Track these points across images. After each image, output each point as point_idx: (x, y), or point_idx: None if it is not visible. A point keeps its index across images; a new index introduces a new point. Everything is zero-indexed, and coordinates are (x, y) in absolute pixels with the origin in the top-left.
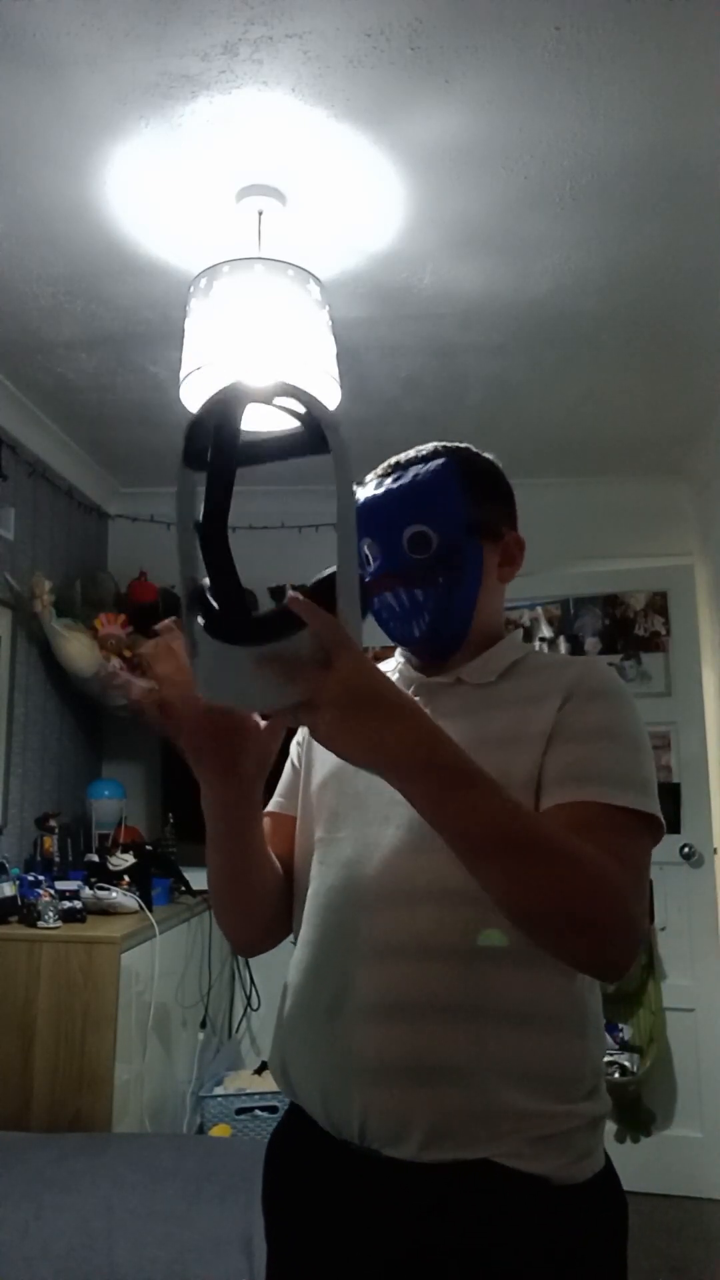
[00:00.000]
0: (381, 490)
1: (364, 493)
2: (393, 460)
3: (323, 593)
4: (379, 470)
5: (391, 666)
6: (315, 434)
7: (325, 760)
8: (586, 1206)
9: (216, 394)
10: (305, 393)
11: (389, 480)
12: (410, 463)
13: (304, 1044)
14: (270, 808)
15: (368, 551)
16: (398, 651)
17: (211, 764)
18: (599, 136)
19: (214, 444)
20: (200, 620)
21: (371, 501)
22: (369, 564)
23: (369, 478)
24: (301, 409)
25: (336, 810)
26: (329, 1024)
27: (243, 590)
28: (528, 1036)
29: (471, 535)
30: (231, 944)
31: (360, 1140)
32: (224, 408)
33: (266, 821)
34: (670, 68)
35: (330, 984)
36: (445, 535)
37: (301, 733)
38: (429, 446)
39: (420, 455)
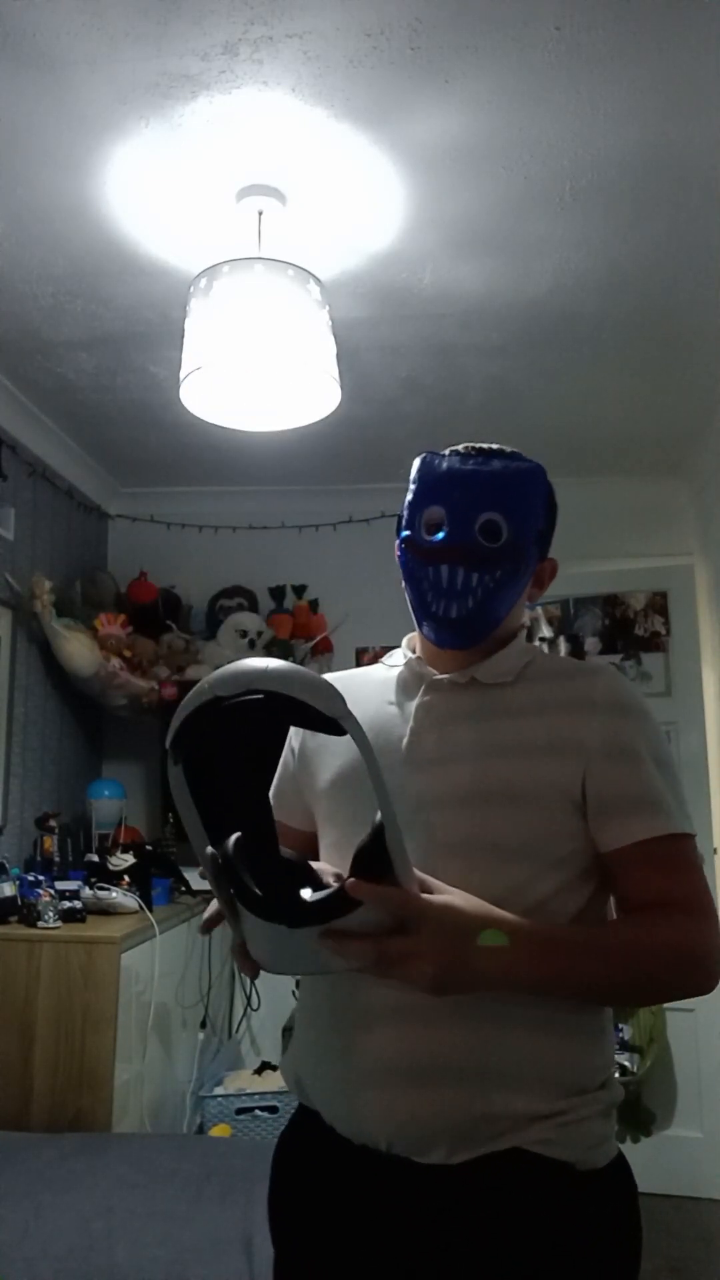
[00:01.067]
0: (469, 467)
1: (445, 462)
2: (474, 445)
3: (370, 854)
4: (459, 449)
5: (398, 660)
6: (332, 725)
7: (332, 759)
8: (607, 1191)
9: (207, 695)
10: (317, 686)
11: (475, 460)
12: (495, 454)
13: (322, 1058)
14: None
15: (430, 518)
16: (404, 642)
17: None
18: (599, 136)
19: (241, 759)
20: (237, 893)
21: (456, 474)
22: (427, 531)
23: (448, 451)
24: (317, 705)
25: (353, 815)
26: (345, 1036)
27: (285, 866)
28: (547, 1035)
29: (536, 544)
30: None
31: (388, 1149)
32: (219, 719)
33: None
34: (670, 68)
35: (344, 995)
36: (517, 533)
37: (294, 732)
38: (508, 448)
39: (505, 451)
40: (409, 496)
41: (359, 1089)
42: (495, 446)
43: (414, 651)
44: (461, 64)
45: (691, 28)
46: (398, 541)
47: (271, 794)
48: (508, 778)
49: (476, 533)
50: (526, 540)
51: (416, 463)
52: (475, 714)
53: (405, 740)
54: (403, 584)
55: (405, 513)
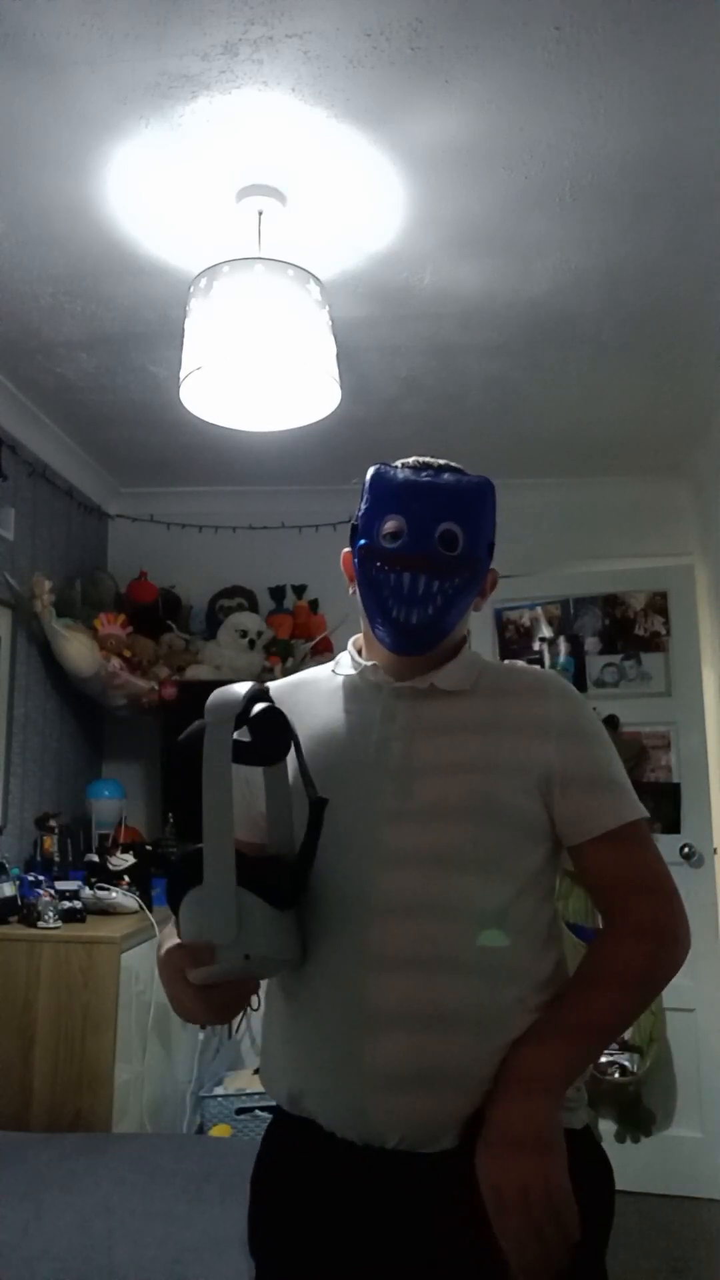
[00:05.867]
0: (425, 479)
1: (400, 474)
2: (423, 459)
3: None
4: (410, 462)
5: (347, 665)
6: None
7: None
8: (583, 1148)
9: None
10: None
11: (428, 473)
12: (444, 468)
13: (325, 1066)
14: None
15: (389, 528)
16: (350, 645)
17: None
18: (599, 136)
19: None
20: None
21: (413, 485)
22: (385, 540)
23: (399, 463)
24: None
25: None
26: (351, 1043)
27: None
28: (513, 1002)
29: (487, 555)
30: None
31: (395, 1146)
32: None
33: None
34: (670, 68)
35: (344, 1003)
36: (472, 543)
37: None
38: (453, 463)
39: (452, 465)
40: (364, 506)
41: (369, 1094)
42: (442, 461)
43: (362, 655)
44: (461, 64)
45: (691, 28)
46: (351, 549)
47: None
48: (476, 791)
49: (435, 541)
50: (480, 550)
51: (370, 473)
52: (439, 724)
53: (372, 750)
54: (352, 591)
55: (361, 521)
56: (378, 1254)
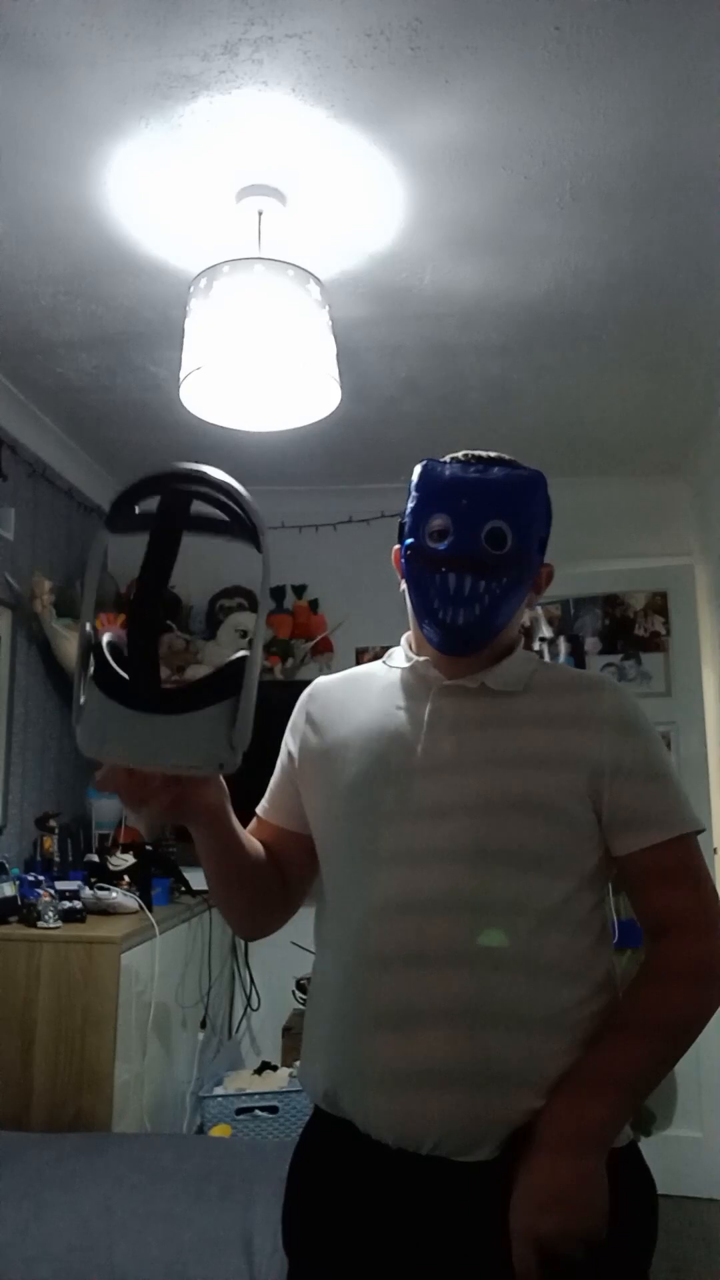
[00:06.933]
0: (472, 475)
1: (448, 469)
2: (474, 453)
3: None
4: (460, 456)
5: (400, 660)
6: (250, 533)
7: (347, 764)
8: (628, 1163)
9: (166, 471)
10: (243, 497)
11: (477, 468)
12: (495, 461)
13: (363, 1063)
14: (260, 811)
15: (435, 526)
16: (403, 641)
17: (156, 811)
18: (599, 136)
19: (164, 509)
20: (92, 675)
21: (460, 482)
22: (432, 539)
23: (448, 458)
24: (238, 509)
25: (368, 809)
26: (389, 1040)
27: (157, 659)
28: (572, 1005)
29: (539, 551)
30: (236, 933)
31: (430, 1151)
32: (175, 483)
33: (253, 823)
34: (670, 68)
35: (383, 998)
36: (521, 540)
37: (294, 733)
38: (506, 455)
39: (504, 458)
40: (411, 504)
41: (406, 1093)
42: (494, 454)
43: (414, 651)
44: (461, 64)
45: (691, 28)
46: (400, 547)
47: (266, 796)
48: (524, 788)
49: (482, 541)
50: (530, 547)
51: (418, 470)
52: (487, 721)
53: (420, 746)
54: (403, 588)
55: (409, 520)
56: (407, 1260)
